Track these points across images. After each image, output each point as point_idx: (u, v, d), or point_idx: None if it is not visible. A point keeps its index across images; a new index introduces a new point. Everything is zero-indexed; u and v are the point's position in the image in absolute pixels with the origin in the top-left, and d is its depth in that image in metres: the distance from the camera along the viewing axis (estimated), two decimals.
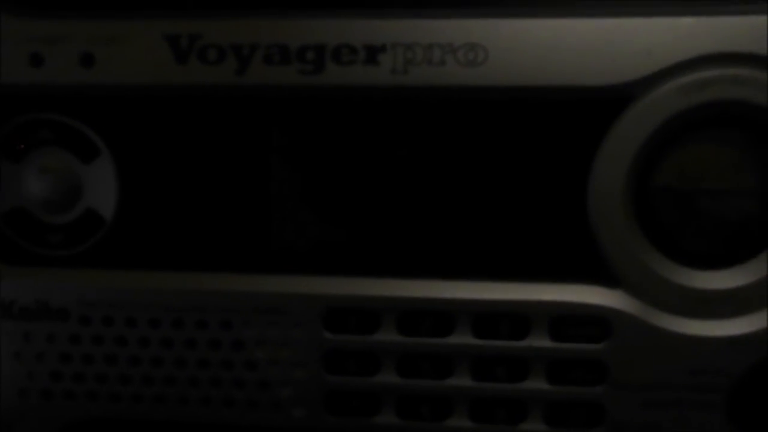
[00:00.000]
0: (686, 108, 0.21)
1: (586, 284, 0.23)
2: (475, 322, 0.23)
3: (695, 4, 0.21)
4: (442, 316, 0.23)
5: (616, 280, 0.22)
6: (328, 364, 0.24)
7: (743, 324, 0.22)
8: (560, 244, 0.23)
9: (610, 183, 0.22)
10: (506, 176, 0.23)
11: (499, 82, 0.21)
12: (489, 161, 0.23)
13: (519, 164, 0.23)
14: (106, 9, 0.23)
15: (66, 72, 0.23)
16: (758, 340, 0.22)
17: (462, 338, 0.23)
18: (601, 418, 0.23)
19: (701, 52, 0.21)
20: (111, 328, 0.24)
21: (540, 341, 0.23)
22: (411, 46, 0.21)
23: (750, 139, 0.22)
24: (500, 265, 0.23)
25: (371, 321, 0.23)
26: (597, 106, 0.21)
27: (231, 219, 0.24)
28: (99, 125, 0.23)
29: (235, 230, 0.24)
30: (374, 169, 0.23)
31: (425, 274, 0.23)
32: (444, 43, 0.21)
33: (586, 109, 0.22)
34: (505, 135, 0.22)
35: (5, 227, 0.24)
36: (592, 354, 0.23)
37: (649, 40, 0.21)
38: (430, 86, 0.21)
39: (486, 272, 0.23)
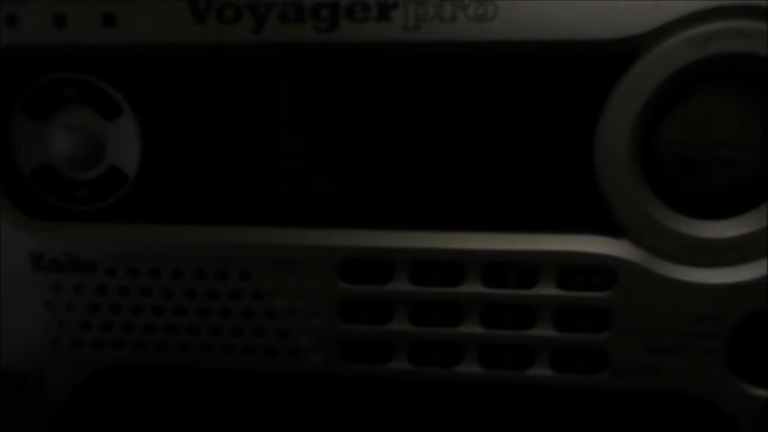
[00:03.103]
0: (692, 61, 0.22)
1: (592, 234, 0.23)
2: (485, 271, 0.24)
3: None
4: (452, 266, 0.24)
5: (621, 230, 0.23)
6: (344, 313, 0.25)
7: (743, 272, 0.23)
8: (567, 196, 0.24)
9: (616, 136, 0.22)
10: (515, 130, 0.23)
11: (509, 37, 0.22)
12: (498, 115, 0.23)
13: (528, 118, 0.23)
14: None
15: (88, 32, 0.23)
16: (758, 288, 0.23)
17: (472, 287, 0.24)
18: (604, 364, 0.24)
19: (707, 5, 0.21)
20: (136, 279, 0.25)
21: (547, 289, 0.24)
22: (423, 2, 0.22)
23: (755, 93, 0.22)
24: (509, 216, 0.24)
25: (384, 271, 0.24)
26: (605, 59, 0.22)
27: (249, 174, 0.25)
28: (121, 84, 0.24)
29: (252, 185, 0.25)
30: (387, 124, 0.24)
31: (436, 225, 0.24)
32: None
33: (594, 63, 0.22)
34: (515, 89, 0.23)
35: (33, 184, 0.26)
36: (598, 302, 0.24)
37: None
38: (441, 42, 0.22)
39: (495, 223, 0.24)
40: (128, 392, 0.27)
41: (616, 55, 0.22)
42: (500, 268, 0.24)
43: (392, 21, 0.22)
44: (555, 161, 0.23)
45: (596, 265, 0.23)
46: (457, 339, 0.25)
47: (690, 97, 0.22)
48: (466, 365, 0.25)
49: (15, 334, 0.26)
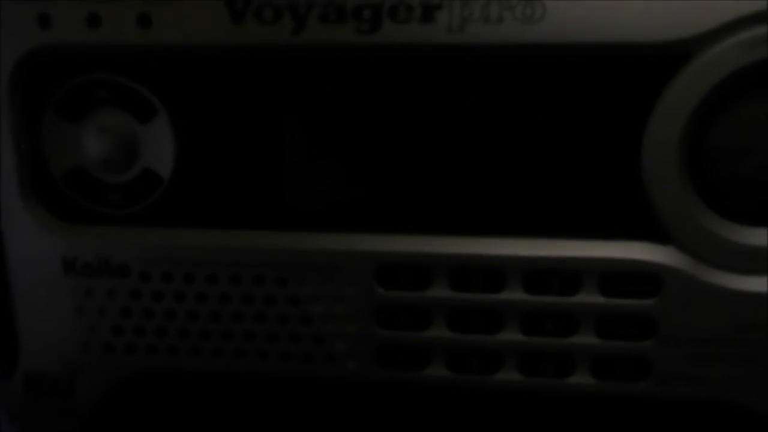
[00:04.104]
0: (745, 64, 0.21)
1: (637, 241, 0.23)
2: (527, 278, 0.23)
3: None
4: (493, 272, 0.23)
5: (667, 236, 0.23)
6: (380, 319, 0.24)
7: None
8: (613, 202, 0.23)
9: (665, 140, 0.22)
10: (561, 134, 0.23)
11: (557, 39, 0.21)
12: (545, 119, 0.23)
13: (574, 121, 0.23)
14: None
15: (123, 32, 0.23)
16: None
17: (513, 294, 0.24)
18: (647, 372, 0.24)
19: (761, 7, 0.21)
20: (170, 283, 0.25)
21: (590, 297, 0.23)
22: (468, 2, 0.21)
23: None
24: (553, 221, 0.23)
25: (423, 277, 0.24)
26: (655, 62, 0.21)
27: (286, 177, 0.24)
28: (156, 85, 0.24)
29: (289, 188, 0.24)
30: (431, 129, 0.23)
31: (477, 231, 0.24)
32: None
33: (644, 66, 0.22)
34: (561, 92, 0.22)
35: (66, 187, 0.25)
36: (642, 309, 0.23)
37: None
38: (486, 44, 0.22)
39: (538, 229, 0.23)
40: (160, 398, 0.27)
41: (667, 58, 0.21)
42: (542, 275, 0.23)
43: (436, 22, 0.22)
44: (601, 166, 0.23)
45: (641, 272, 0.23)
46: (497, 346, 0.24)
47: (741, 102, 0.22)
48: (505, 373, 0.24)
49: (46, 338, 0.26)
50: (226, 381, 0.26)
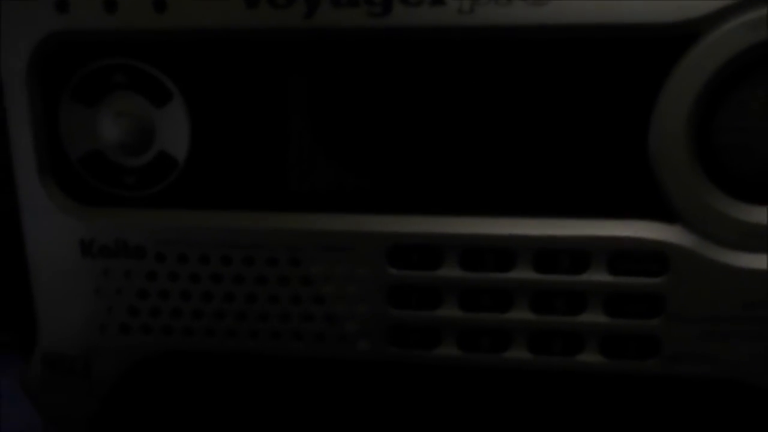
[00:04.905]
0: (752, 45, 0.21)
1: (644, 220, 0.23)
2: (536, 257, 0.24)
3: None
4: (503, 252, 0.24)
5: (674, 215, 0.23)
6: (392, 299, 0.25)
7: None
8: (621, 181, 0.23)
9: (672, 121, 0.22)
10: (570, 114, 0.23)
11: (565, 21, 0.22)
12: (553, 99, 0.23)
13: (583, 102, 0.23)
14: None
15: (139, 17, 0.23)
16: None
17: (522, 273, 0.24)
18: (656, 350, 0.24)
19: None
20: (185, 265, 0.25)
21: (599, 275, 0.24)
22: None
23: None
24: (562, 201, 0.24)
25: (434, 257, 0.24)
26: (663, 43, 0.22)
27: (299, 159, 0.25)
28: (171, 70, 0.24)
29: (302, 171, 0.25)
30: (442, 110, 0.24)
31: (487, 211, 0.24)
32: None
33: (651, 47, 0.22)
34: (571, 73, 0.23)
35: (82, 170, 0.26)
36: (650, 288, 0.23)
37: None
38: (496, 25, 0.22)
39: (547, 209, 0.24)
40: (176, 378, 0.28)
41: (674, 39, 0.22)
42: (551, 254, 0.24)
43: (446, 5, 0.22)
44: (609, 146, 0.23)
45: (649, 251, 0.23)
46: (507, 325, 0.24)
47: (748, 82, 0.22)
48: (514, 351, 0.25)
49: (63, 319, 0.27)
50: (240, 361, 0.27)
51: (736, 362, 0.24)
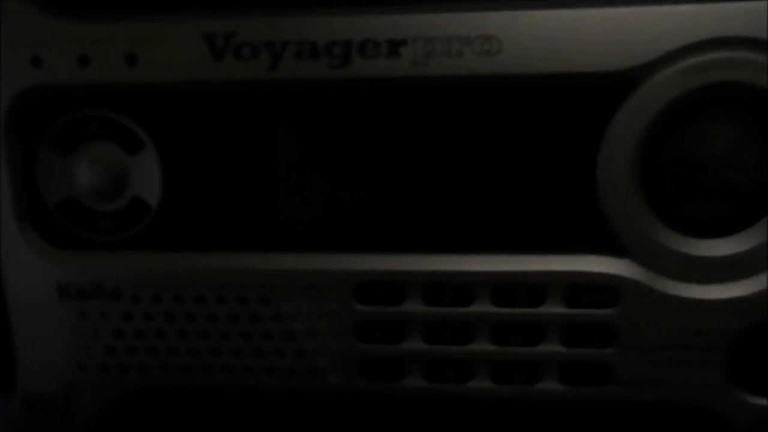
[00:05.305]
0: (689, 90, 0.23)
1: (596, 255, 0.24)
2: (494, 291, 0.25)
3: None
4: (463, 288, 0.25)
5: (623, 250, 0.24)
6: (360, 334, 0.26)
7: (743, 287, 0.24)
8: (572, 219, 0.25)
9: (617, 160, 0.24)
10: (521, 157, 0.25)
11: (513, 71, 0.23)
12: (505, 143, 0.24)
13: (533, 145, 0.24)
14: (147, 10, 0.24)
15: (111, 71, 0.24)
16: (757, 302, 0.24)
17: (482, 307, 0.25)
18: (610, 377, 0.25)
19: (702, 37, 0.22)
20: (160, 305, 0.26)
21: (554, 308, 0.25)
22: (431, 39, 0.23)
23: (748, 118, 0.23)
24: (517, 238, 0.25)
25: (398, 293, 0.25)
26: (605, 89, 0.23)
27: (267, 202, 0.26)
28: (143, 119, 0.25)
29: (270, 213, 0.26)
30: (398, 154, 0.25)
31: (447, 249, 0.25)
32: (461, 35, 0.23)
33: (594, 93, 0.23)
34: (520, 118, 0.24)
35: (59, 215, 0.27)
36: (603, 318, 0.25)
37: (653, 28, 0.23)
38: (449, 76, 0.23)
39: (504, 246, 0.25)
40: (154, 413, 0.28)
41: (616, 85, 0.23)
42: (509, 289, 0.25)
43: (401, 57, 0.23)
44: (560, 186, 0.24)
45: (600, 284, 0.24)
46: (469, 356, 0.26)
47: (688, 123, 0.23)
48: (477, 381, 0.26)
49: (42, 358, 0.27)
50: (216, 395, 0.28)
51: (687, 387, 0.25)
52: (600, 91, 0.23)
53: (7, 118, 0.25)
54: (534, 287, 0.25)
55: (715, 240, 0.24)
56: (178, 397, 0.28)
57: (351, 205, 0.26)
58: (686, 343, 0.25)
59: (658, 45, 0.23)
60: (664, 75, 0.23)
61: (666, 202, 0.24)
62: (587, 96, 0.23)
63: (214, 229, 0.26)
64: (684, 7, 0.22)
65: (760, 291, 0.24)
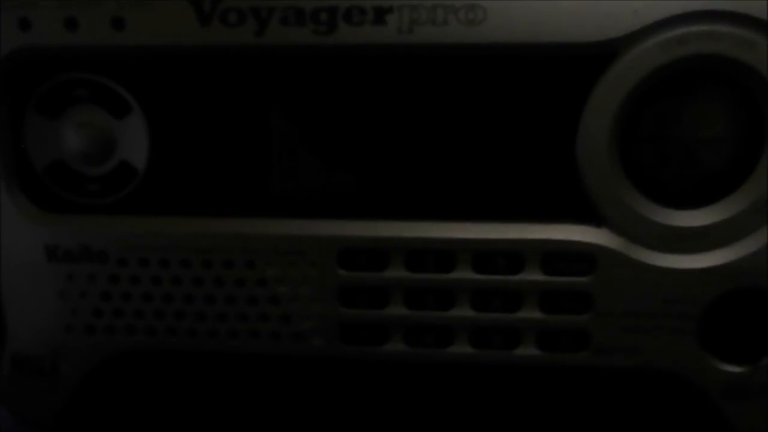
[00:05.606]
0: (667, 61, 0.23)
1: (574, 224, 0.25)
2: (475, 259, 0.25)
3: None
4: (444, 254, 0.26)
5: (601, 219, 0.25)
6: (343, 299, 0.26)
7: (714, 257, 0.25)
8: (551, 188, 0.25)
9: (597, 131, 0.24)
10: (503, 126, 0.25)
11: (497, 40, 0.23)
12: (487, 112, 0.25)
13: (515, 114, 0.25)
14: None
15: (99, 34, 0.25)
16: (728, 271, 0.25)
17: (463, 273, 0.26)
18: (586, 343, 0.26)
19: (681, 10, 0.23)
20: (146, 268, 0.27)
21: (533, 275, 0.25)
22: (416, 6, 0.23)
23: (724, 91, 0.24)
24: (498, 207, 0.26)
25: (381, 259, 0.26)
26: (586, 60, 0.23)
27: (252, 168, 0.26)
28: (130, 83, 0.26)
29: (256, 178, 0.26)
30: (382, 122, 0.25)
31: (429, 216, 0.26)
32: (446, 3, 0.23)
33: (576, 63, 0.24)
34: (502, 87, 0.25)
35: (47, 179, 0.27)
36: (579, 286, 0.25)
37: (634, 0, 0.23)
38: (433, 44, 0.24)
39: (485, 214, 0.25)
40: (140, 376, 0.29)
41: (597, 56, 0.23)
42: (489, 256, 0.25)
43: (387, 24, 0.24)
44: (540, 155, 0.25)
45: (578, 252, 0.25)
46: (449, 322, 0.26)
47: (665, 95, 0.24)
48: (457, 346, 0.26)
49: (31, 321, 0.28)
50: (201, 359, 0.28)
51: (659, 354, 0.26)
52: (581, 62, 0.24)
53: None
54: (514, 254, 0.25)
55: (691, 211, 0.25)
56: (163, 360, 0.28)
57: (335, 172, 0.26)
58: (660, 311, 0.25)
59: (639, 17, 0.23)
60: (643, 47, 0.23)
61: (644, 174, 0.25)
62: (569, 67, 0.24)
63: (200, 193, 0.27)
64: None
65: (731, 261, 0.24)
